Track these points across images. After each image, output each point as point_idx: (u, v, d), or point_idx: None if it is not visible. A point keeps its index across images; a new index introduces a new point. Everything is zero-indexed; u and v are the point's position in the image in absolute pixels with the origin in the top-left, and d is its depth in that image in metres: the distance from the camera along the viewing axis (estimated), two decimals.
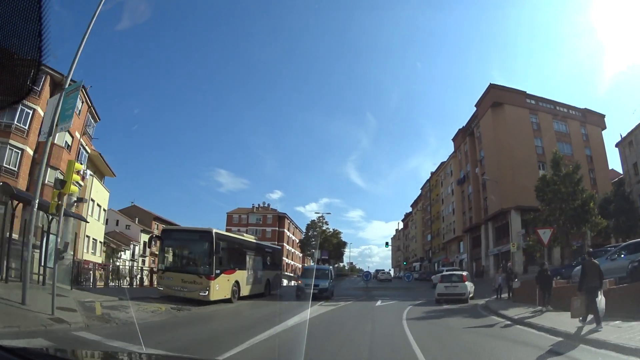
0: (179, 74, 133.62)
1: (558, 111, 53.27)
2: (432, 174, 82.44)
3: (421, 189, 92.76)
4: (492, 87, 51.65)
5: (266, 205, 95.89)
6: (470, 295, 21.77)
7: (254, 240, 25.85)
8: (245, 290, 20.97)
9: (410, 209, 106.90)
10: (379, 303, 23.19)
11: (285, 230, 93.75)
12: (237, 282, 19.74)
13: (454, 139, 66.87)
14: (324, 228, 76.41)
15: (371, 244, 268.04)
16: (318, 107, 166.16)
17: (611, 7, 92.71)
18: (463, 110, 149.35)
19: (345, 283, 53.95)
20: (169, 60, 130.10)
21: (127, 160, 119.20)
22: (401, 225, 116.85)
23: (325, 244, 73.76)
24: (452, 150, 67.52)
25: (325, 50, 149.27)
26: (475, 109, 56.87)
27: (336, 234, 79.52)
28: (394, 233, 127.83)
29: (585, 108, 55.23)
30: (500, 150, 48.78)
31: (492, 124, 51.19)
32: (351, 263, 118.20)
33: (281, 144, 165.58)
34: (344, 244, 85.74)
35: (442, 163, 73.75)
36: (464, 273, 25.06)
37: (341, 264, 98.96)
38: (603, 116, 56.17)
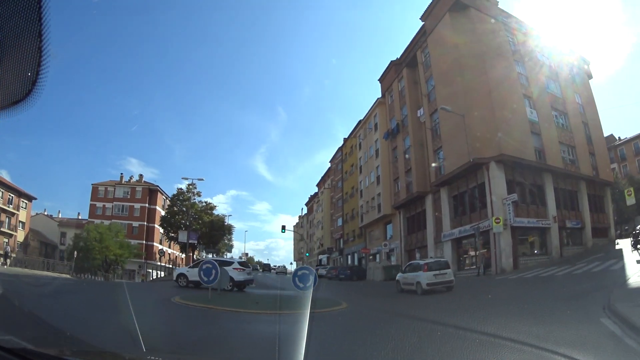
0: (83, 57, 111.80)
1: (538, 39, 35.63)
2: (346, 140, 61.95)
3: (330, 161, 72.27)
4: None
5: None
6: None
7: None
8: None
9: (316, 189, 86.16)
10: None
11: (158, 208, 70.98)
12: None
13: (381, 79, 46.74)
14: (194, 200, 55.82)
15: (277, 237, 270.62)
16: (228, 97, 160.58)
17: None
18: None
19: None
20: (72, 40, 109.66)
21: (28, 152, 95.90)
22: (305, 211, 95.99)
23: (199, 222, 54.74)
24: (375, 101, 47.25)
25: (239, 37, 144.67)
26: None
27: (209, 208, 57.51)
28: (297, 220, 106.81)
29: (570, 48, 39.94)
30: (465, 71, 30.11)
31: (451, 36, 31.92)
32: (246, 254, 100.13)
33: (190, 133, 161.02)
34: (229, 228, 64.52)
35: (360, 121, 53.27)
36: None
37: (228, 254, 77.59)
38: (588, 63, 41.75)
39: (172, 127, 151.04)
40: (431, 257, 28.32)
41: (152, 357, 4.37)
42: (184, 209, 54.20)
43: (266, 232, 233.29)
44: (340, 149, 65.37)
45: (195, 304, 14.27)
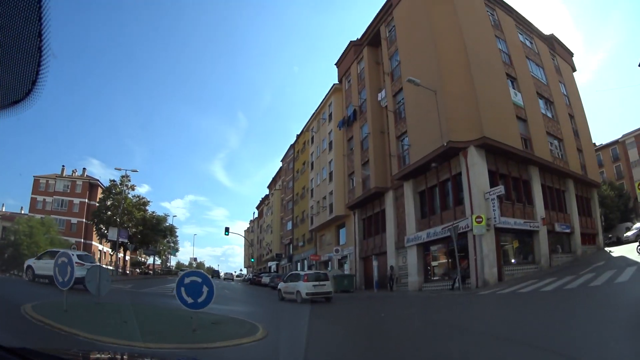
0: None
1: (519, 18, 31.04)
2: (299, 136, 55.75)
3: (282, 160, 65.91)
4: None
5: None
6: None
7: None
8: None
9: (267, 191, 79.45)
10: None
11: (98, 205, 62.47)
12: None
13: (338, 62, 41.02)
14: (128, 194, 49.88)
15: (234, 244, 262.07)
16: (188, 101, 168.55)
17: None
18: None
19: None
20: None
21: None
22: (256, 214, 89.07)
23: (130, 219, 49.27)
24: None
25: (201, 41, 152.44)
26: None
27: (142, 203, 52.39)
28: (248, 225, 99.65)
29: (552, 34, 35.92)
30: (438, 42, 25.01)
31: (422, 5, 26.13)
32: (195, 259, 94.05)
33: (151, 135, 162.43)
34: (170, 229, 60.83)
35: (314, 113, 47.21)
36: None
37: (170, 257, 70.84)
38: (571, 54, 37.83)
39: (133, 129, 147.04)
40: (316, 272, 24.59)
41: (152, 357, 4.35)
42: (116, 203, 47.70)
43: (223, 238, 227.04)
44: (292, 146, 59.15)
45: (45, 321, 8.89)
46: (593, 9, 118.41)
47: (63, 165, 69.12)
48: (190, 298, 8.58)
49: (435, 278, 24.45)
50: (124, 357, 3.61)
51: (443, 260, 24.29)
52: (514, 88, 26.25)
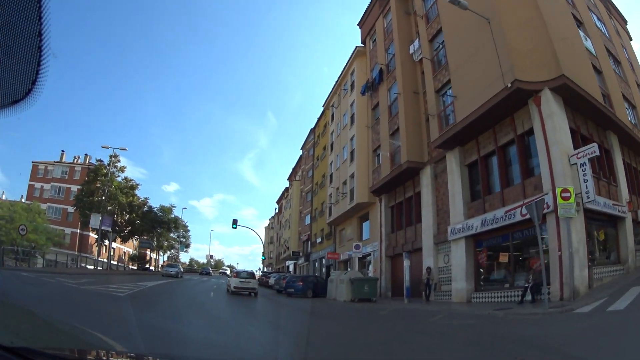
0: (77, 53, 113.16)
1: None
2: (319, 119, 48.92)
3: (302, 147, 59.44)
4: None
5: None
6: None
7: None
8: None
9: (287, 183, 73.25)
10: None
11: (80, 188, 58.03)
12: None
13: (361, 22, 34.21)
14: (117, 176, 45.07)
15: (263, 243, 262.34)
16: (219, 100, 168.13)
17: None
18: None
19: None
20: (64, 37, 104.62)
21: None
22: (277, 210, 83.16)
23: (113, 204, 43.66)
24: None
25: (231, 40, 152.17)
26: None
27: (130, 187, 46.87)
28: (267, 222, 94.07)
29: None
30: None
31: None
32: (211, 256, 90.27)
33: (180, 135, 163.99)
34: (175, 221, 55.68)
35: (334, 85, 40.30)
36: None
37: (177, 254, 65.57)
38: (625, 22, 30.80)
39: (162, 127, 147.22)
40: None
41: (152, 357, 4.16)
42: (101, 186, 42.45)
43: (252, 238, 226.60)
44: (312, 130, 52.52)
45: None
46: None
47: (62, 151, 64.46)
48: None
49: (490, 287, 17.38)
50: (124, 357, 3.57)
51: (503, 259, 17.09)
52: (584, 33, 19.10)
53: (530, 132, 15.61)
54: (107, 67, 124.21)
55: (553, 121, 14.59)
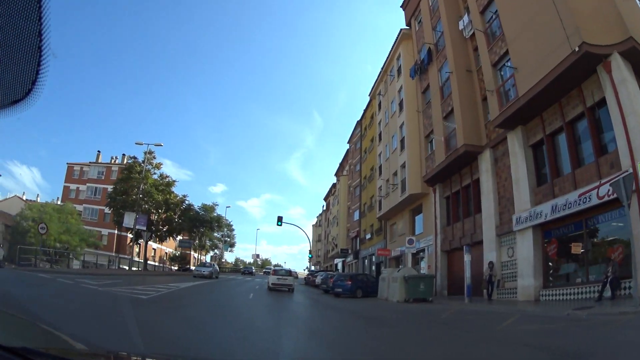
0: (124, 58, 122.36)
1: None
2: (365, 110, 47.30)
3: (348, 141, 58.04)
4: None
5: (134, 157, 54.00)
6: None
7: None
8: None
9: (335, 179, 72.01)
10: None
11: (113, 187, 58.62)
12: None
13: (404, 4, 32.28)
14: (153, 173, 43.82)
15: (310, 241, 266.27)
16: (263, 101, 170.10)
17: None
18: None
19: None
20: (112, 44, 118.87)
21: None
22: (325, 207, 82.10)
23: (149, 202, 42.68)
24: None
25: (277, 44, 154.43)
26: None
27: (166, 184, 45.03)
28: (315, 220, 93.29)
29: None
30: None
31: None
32: (258, 255, 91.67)
33: (225, 136, 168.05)
34: (218, 220, 52.44)
35: (380, 72, 38.60)
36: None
37: (222, 254, 65.48)
38: None
39: (206, 128, 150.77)
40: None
41: (152, 357, 3.91)
42: (135, 184, 41.18)
43: (300, 237, 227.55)
44: (358, 122, 51.04)
45: None
46: None
47: (99, 151, 64.54)
48: None
49: (562, 281, 15.35)
50: (124, 357, 3.25)
51: (576, 250, 14.94)
52: None
53: (601, 103, 13.57)
54: (149, 72, 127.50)
55: (627, 88, 12.54)
